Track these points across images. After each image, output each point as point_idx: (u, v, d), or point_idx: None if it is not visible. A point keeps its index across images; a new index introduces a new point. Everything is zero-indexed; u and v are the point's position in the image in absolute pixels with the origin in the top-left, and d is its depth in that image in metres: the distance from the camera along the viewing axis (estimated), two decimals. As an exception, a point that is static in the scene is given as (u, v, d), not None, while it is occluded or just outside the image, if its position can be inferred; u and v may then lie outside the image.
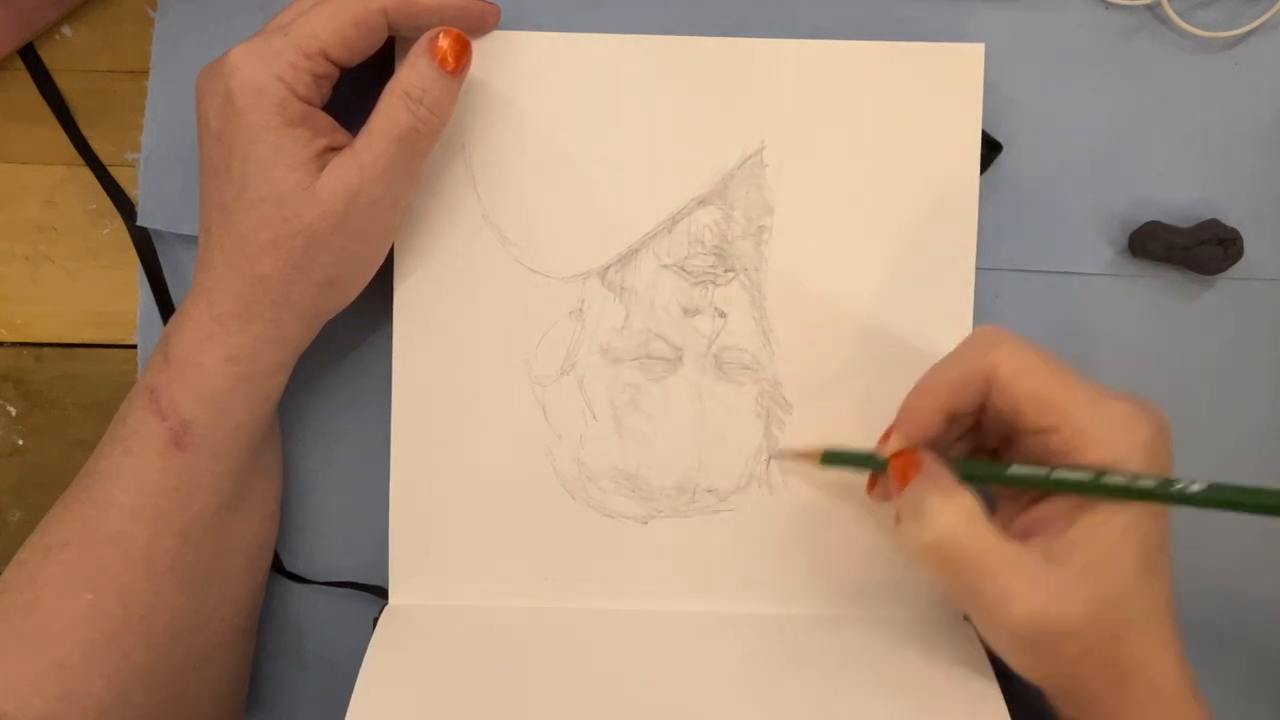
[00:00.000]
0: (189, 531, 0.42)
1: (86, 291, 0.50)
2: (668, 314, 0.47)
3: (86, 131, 0.49)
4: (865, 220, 0.46)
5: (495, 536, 0.47)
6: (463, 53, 0.42)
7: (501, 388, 0.46)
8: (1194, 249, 0.46)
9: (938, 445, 0.42)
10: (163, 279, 0.48)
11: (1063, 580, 0.38)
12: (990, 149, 0.47)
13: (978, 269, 0.47)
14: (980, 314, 0.47)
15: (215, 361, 0.41)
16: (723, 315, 0.46)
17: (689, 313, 0.47)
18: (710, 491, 0.47)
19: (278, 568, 0.48)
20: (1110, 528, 0.38)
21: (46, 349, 0.50)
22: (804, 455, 0.46)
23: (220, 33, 0.47)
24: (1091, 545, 0.38)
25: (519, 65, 0.46)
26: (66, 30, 0.49)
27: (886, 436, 0.42)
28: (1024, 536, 0.39)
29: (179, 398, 0.41)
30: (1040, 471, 0.39)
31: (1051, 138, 0.48)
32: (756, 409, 0.47)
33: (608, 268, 0.46)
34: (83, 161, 0.49)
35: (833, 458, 0.45)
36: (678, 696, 0.42)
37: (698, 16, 0.48)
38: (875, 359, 0.46)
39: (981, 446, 0.44)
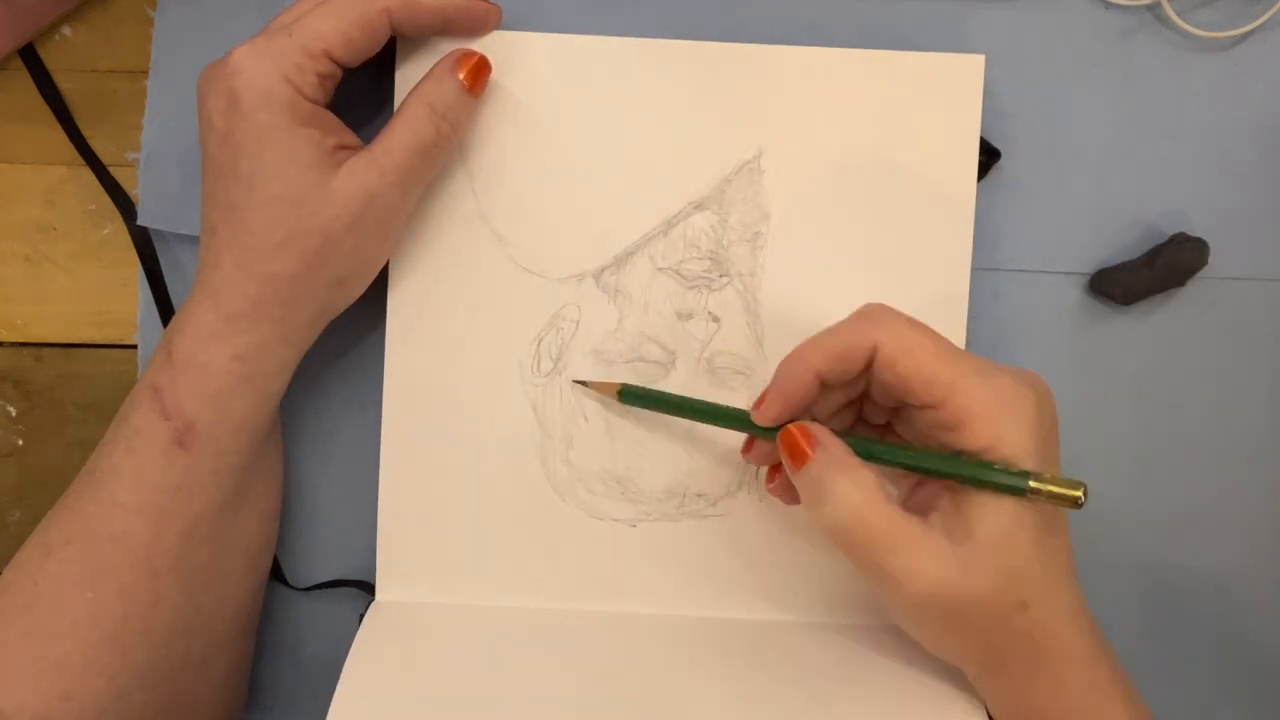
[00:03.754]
0: (191, 530, 0.42)
1: (86, 291, 0.50)
2: (661, 317, 0.47)
3: (86, 131, 0.49)
4: (860, 228, 0.46)
5: (483, 536, 0.47)
6: (485, 75, 0.44)
7: (493, 387, 0.47)
8: (1153, 278, 0.47)
9: (810, 411, 0.42)
10: (163, 279, 0.49)
11: (968, 555, 0.38)
12: (988, 156, 0.47)
13: (976, 269, 0.47)
14: (979, 314, 0.48)
15: (221, 360, 0.41)
16: (716, 320, 0.46)
17: (683, 317, 0.47)
18: (700, 496, 0.47)
19: (271, 573, 0.48)
20: (1008, 505, 0.38)
21: (46, 349, 0.50)
22: (601, 386, 0.46)
23: (220, 33, 0.48)
24: (991, 519, 0.38)
25: (519, 66, 0.46)
26: (66, 30, 0.49)
27: (762, 400, 0.42)
28: (920, 512, 0.40)
29: (183, 396, 0.41)
30: (934, 458, 0.39)
31: (1051, 136, 0.48)
32: None
33: (603, 270, 0.47)
34: (83, 161, 0.49)
35: (633, 395, 0.45)
36: (661, 700, 0.42)
37: (698, 17, 0.48)
38: None
39: (867, 421, 0.44)
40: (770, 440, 0.42)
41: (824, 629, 0.46)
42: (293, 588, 0.49)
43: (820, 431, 0.40)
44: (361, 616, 0.46)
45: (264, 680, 0.50)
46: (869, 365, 0.40)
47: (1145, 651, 0.49)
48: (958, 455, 0.39)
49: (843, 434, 0.41)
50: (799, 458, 0.40)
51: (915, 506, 0.40)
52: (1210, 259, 0.47)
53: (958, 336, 0.46)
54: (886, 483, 0.40)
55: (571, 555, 0.47)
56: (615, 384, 0.46)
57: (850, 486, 0.39)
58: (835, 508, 0.39)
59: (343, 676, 0.42)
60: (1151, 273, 0.47)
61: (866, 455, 0.40)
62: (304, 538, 0.49)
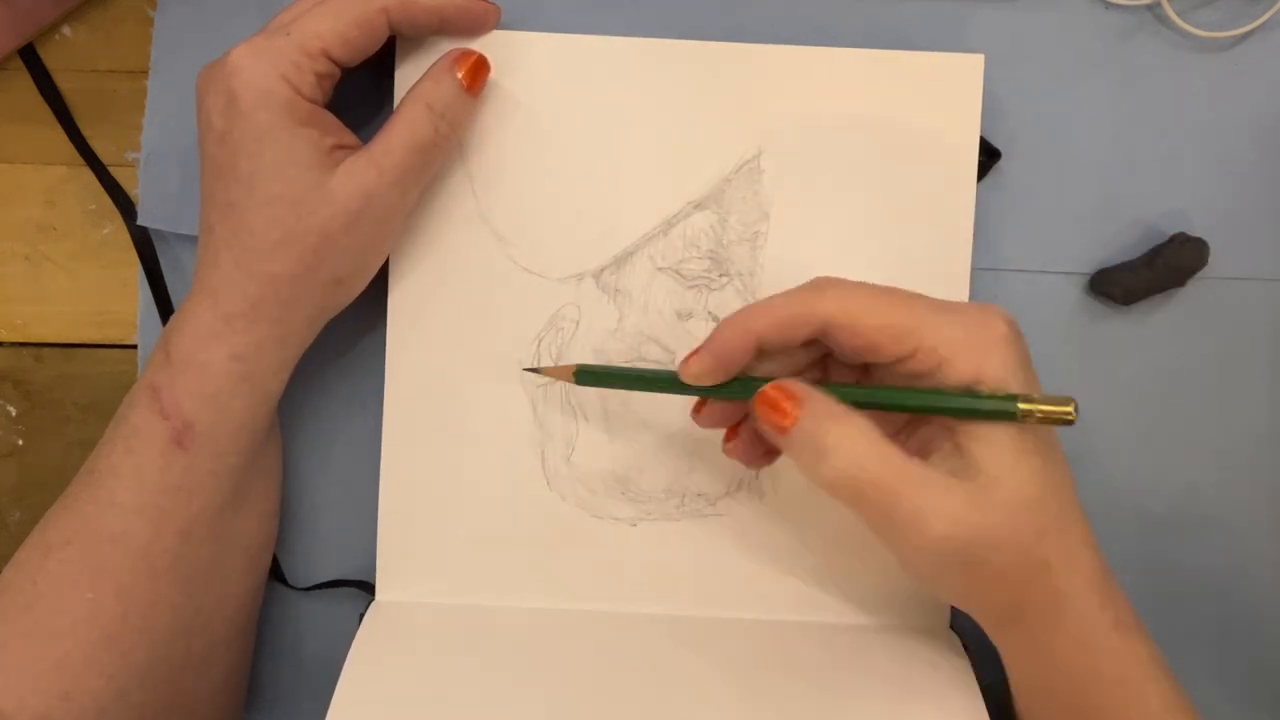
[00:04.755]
0: (190, 530, 0.42)
1: (86, 291, 0.50)
2: (661, 317, 0.47)
3: (86, 131, 0.49)
4: (860, 228, 0.46)
5: (483, 535, 0.47)
6: (484, 74, 0.44)
7: (494, 387, 0.47)
8: (1153, 278, 0.47)
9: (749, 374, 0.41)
10: (163, 279, 0.49)
11: (978, 491, 0.37)
12: (988, 156, 0.47)
13: (976, 269, 0.47)
14: (979, 314, 0.47)
15: (220, 360, 0.41)
16: (716, 320, 0.46)
17: (683, 316, 0.47)
18: (700, 495, 0.47)
19: (270, 573, 0.48)
20: (1006, 430, 0.38)
21: (46, 349, 0.50)
22: (555, 371, 0.45)
23: (220, 33, 0.47)
24: (994, 453, 0.38)
25: (518, 66, 0.46)
26: (66, 30, 0.49)
27: (693, 353, 0.40)
28: (919, 456, 0.39)
29: (181, 396, 0.41)
30: (919, 394, 0.39)
31: (1051, 136, 0.48)
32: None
33: (603, 269, 0.47)
34: (83, 161, 0.49)
35: (594, 375, 0.44)
36: (661, 700, 0.42)
37: (698, 17, 0.48)
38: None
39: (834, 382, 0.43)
40: (725, 400, 0.41)
41: (824, 629, 0.46)
42: (293, 588, 0.49)
43: (801, 387, 0.39)
44: (361, 616, 0.46)
45: (264, 680, 0.50)
46: (811, 340, 0.40)
47: (1145, 651, 0.49)
48: (940, 390, 0.38)
49: (819, 385, 0.40)
50: (783, 415, 0.39)
51: (912, 452, 0.39)
52: (1210, 259, 0.47)
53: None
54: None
55: (571, 555, 0.47)
56: (569, 366, 0.44)
57: (848, 436, 0.38)
58: (838, 460, 0.38)
59: (343, 676, 0.42)
60: (1151, 273, 0.47)
61: (849, 403, 0.39)
62: (304, 538, 0.49)
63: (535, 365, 0.46)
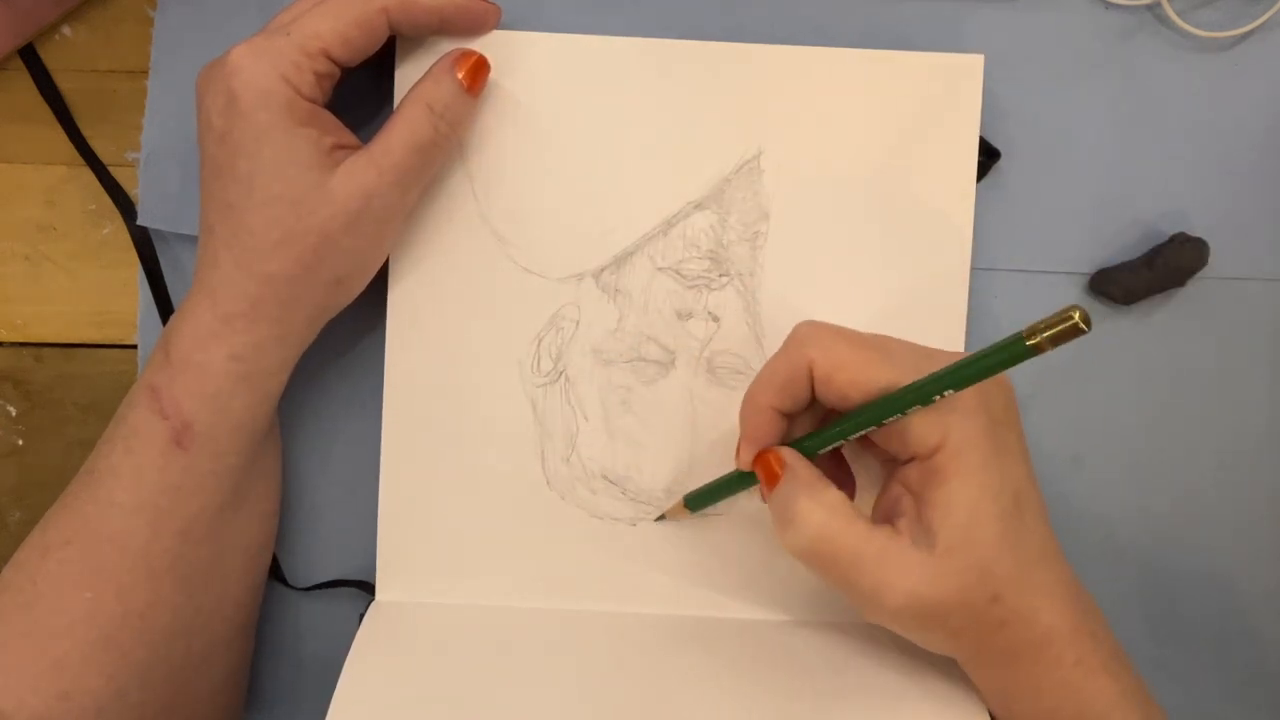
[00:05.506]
0: (189, 530, 0.42)
1: (86, 291, 0.50)
2: (661, 317, 0.47)
3: (86, 131, 0.49)
4: (860, 228, 0.46)
5: (483, 535, 0.47)
6: (484, 75, 0.44)
7: (493, 387, 0.47)
8: (1153, 278, 0.47)
9: (789, 438, 0.42)
10: (163, 279, 0.49)
11: (931, 563, 0.38)
12: (988, 156, 0.47)
13: (976, 269, 0.47)
14: (979, 314, 0.48)
15: (219, 360, 0.41)
16: (716, 320, 0.46)
17: (682, 316, 0.47)
18: None
19: (270, 572, 0.48)
20: (963, 497, 0.38)
21: (46, 349, 0.50)
22: (675, 512, 0.46)
23: (220, 33, 0.47)
24: (950, 521, 0.38)
25: (518, 66, 0.46)
26: (66, 30, 0.49)
27: (738, 449, 0.42)
28: (888, 518, 0.40)
29: (181, 396, 0.41)
30: (915, 387, 0.38)
31: (1051, 136, 0.48)
32: None
33: (602, 269, 0.47)
34: (83, 161, 0.49)
35: (697, 499, 0.45)
36: (661, 700, 0.42)
37: (698, 17, 0.48)
38: None
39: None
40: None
41: (824, 629, 0.46)
42: (293, 588, 0.49)
43: (789, 455, 0.41)
44: (361, 616, 0.46)
45: (264, 680, 0.50)
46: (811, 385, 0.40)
47: (1145, 651, 0.49)
48: (941, 372, 0.37)
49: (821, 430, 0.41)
50: (770, 480, 0.41)
51: (884, 512, 0.40)
52: (1210, 259, 0.47)
53: (958, 336, 0.46)
54: (852, 502, 0.39)
55: (571, 555, 0.47)
56: (679, 504, 0.46)
57: (813, 506, 0.39)
58: (801, 528, 0.39)
59: (343, 676, 0.42)
60: (1151, 273, 0.47)
61: (840, 433, 0.40)
62: (304, 538, 0.49)
63: (534, 364, 0.46)
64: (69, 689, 0.40)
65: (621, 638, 0.45)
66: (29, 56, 0.49)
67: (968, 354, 0.37)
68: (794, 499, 0.39)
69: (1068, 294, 0.48)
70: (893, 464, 0.41)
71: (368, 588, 0.48)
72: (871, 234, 0.46)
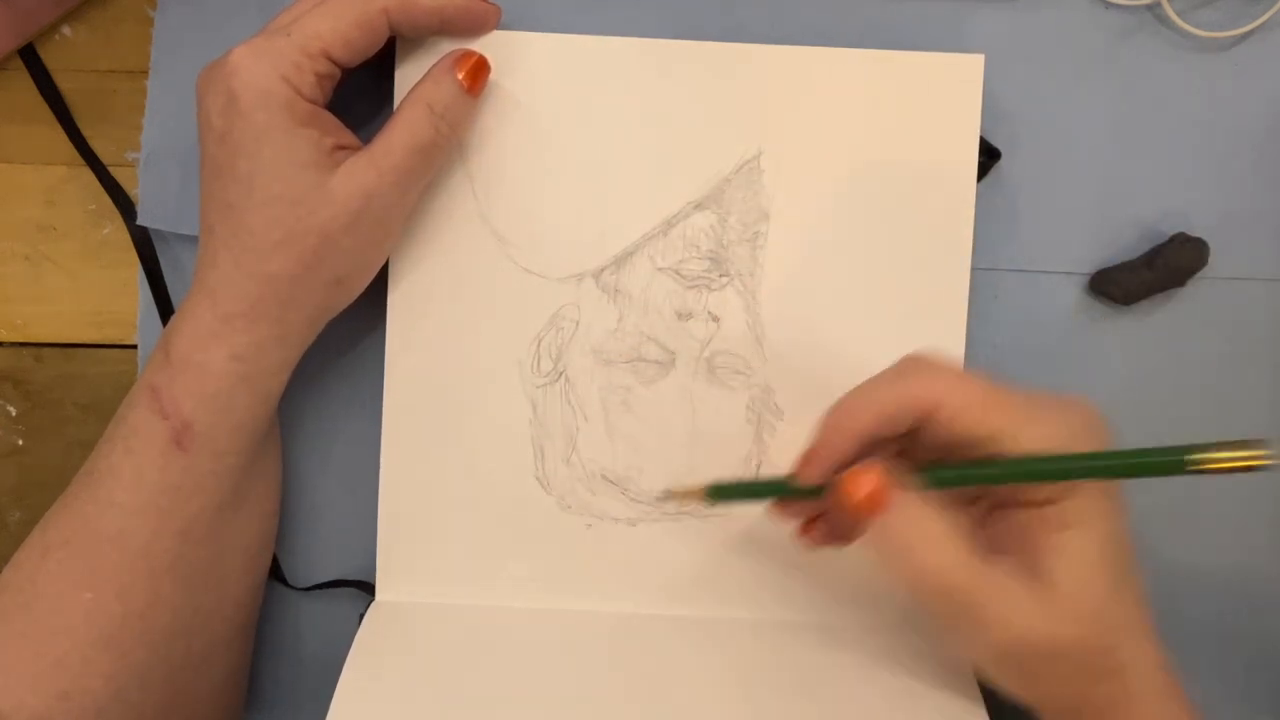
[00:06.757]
0: (189, 530, 0.42)
1: (86, 291, 0.50)
2: (661, 317, 0.47)
3: (86, 131, 0.49)
4: (860, 228, 0.46)
5: (483, 536, 0.47)
6: (484, 75, 0.44)
7: (493, 387, 0.47)
8: (1153, 278, 0.47)
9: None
10: (163, 279, 0.49)
11: (1050, 602, 0.38)
12: (988, 156, 0.47)
13: (976, 269, 0.47)
14: (979, 314, 0.48)
15: (219, 360, 0.41)
16: (716, 320, 0.46)
17: (682, 316, 0.47)
18: None
19: (270, 572, 0.48)
20: (1083, 543, 0.38)
21: (46, 349, 0.50)
22: (688, 497, 0.45)
23: (220, 33, 0.47)
24: (1069, 565, 0.38)
25: (518, 66, 0.46)
26: (66, 30, 0.49)
27: (805, 461, 0.41)
28: (993, 554, 0.39)
29: (181, 397, 0.41)
30: (1073, 459, 0.38)
31: (1051, 137, 0.48)
32: (748, 414, 0.47)
33: (602, 269, 0.46)
34: (83, 161, 0.49)
35: (723, 493, 0.44)
36: (662, 700, 0.42)
37: (698, 17, 0.48)
38: (868, 367, 0.46)
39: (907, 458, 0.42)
40: (816, 498, 0.41)
41: (824, 629, 0.46)
42: (292, 588, 0.49)
43: (892, 478, 0.39)
44: (361, 616, 0.46)
45: (264, 680, 0.50)
46: (921, 421, 0.39)
47: (1145, 652, 0.49)
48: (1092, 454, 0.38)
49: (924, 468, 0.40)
50: (875, 507, 0.39)
51: (983, 547, 0.39)
52: (1210, 259, 0.47)
53: (958, 336, 0.46)
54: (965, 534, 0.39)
55: (571, 555, 0.47)
56: (699, 486, 0.44)
57: (930, 539, 0.38)
58: (918, 564, 0.38)
59: (343, 676, 0.42)
60: (1151, 273, 0.47)
61: (958, 480, 0.39)
62: (304, 538, 0.49)
63: (534, 364, 0.47)
64: (68, 689, 0.40)
65: (622, 638, 0.45)
66: (29, 56, 0.49)
67: (1131, 449, 0.37)
68: (907, 531, 0.38)
69: (1067, 294, 0.48)
70: (989, 498, 0.41)
71: (368, 588, 0.48)
72: (872, 234, 0.46)
